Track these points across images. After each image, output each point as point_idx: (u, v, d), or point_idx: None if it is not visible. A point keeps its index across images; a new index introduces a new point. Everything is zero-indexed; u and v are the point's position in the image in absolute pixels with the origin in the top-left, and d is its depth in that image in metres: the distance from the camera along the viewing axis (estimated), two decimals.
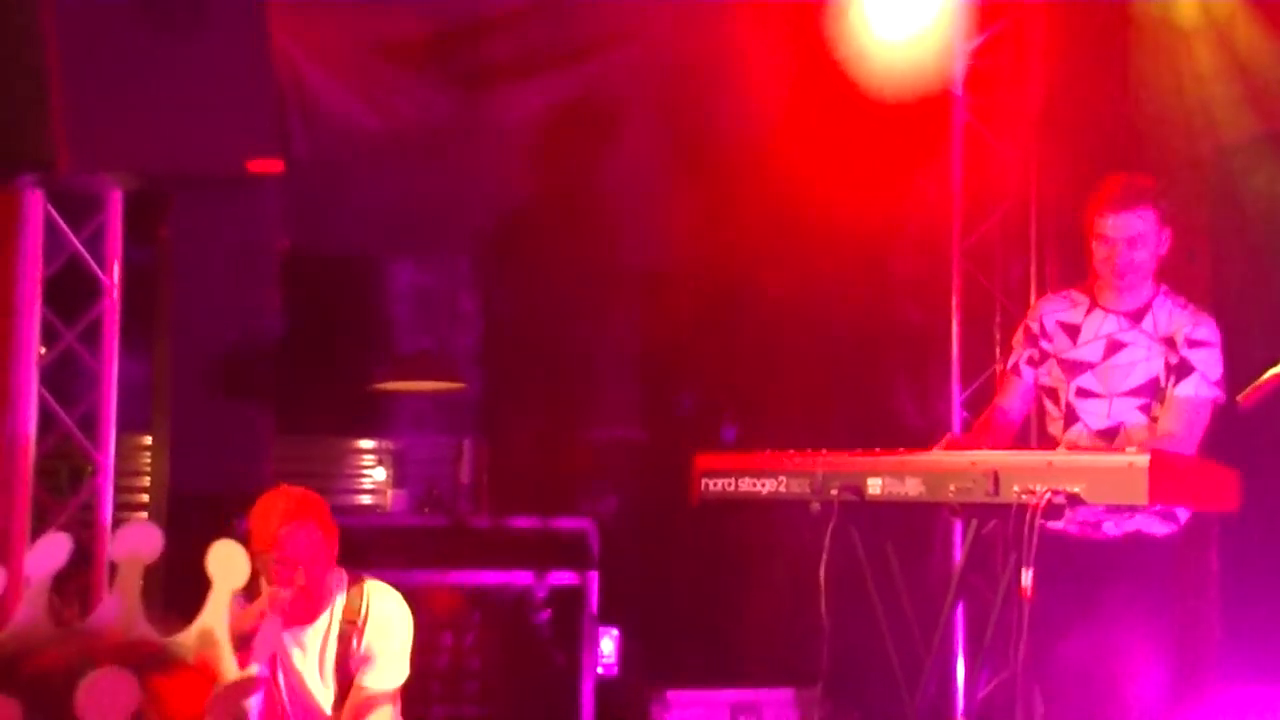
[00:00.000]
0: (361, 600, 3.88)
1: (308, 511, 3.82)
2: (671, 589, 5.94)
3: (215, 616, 1.11)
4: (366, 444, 7.08)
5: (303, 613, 3.81)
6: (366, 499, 7.01)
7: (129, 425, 5.38)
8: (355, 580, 3.93)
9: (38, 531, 4.62)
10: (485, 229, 5.86)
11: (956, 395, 5.21)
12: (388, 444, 7.03)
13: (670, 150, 5.77)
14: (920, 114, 5.28)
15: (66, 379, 4.99)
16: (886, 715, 3.97)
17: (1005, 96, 5.36)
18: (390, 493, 6.86)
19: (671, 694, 5.02)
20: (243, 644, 3.74)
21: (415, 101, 5.21)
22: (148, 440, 6.29)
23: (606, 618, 5.18)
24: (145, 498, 6.36)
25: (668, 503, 5.93)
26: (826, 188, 5.31)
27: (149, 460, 6.30)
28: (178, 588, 5.75)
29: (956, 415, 5.19)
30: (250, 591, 3.83)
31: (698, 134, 5.56)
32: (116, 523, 5.14)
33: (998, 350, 5.23)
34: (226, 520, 5.28)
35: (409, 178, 5.66)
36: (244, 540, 3.83)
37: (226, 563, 1.12)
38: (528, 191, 5.78)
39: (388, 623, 3.87)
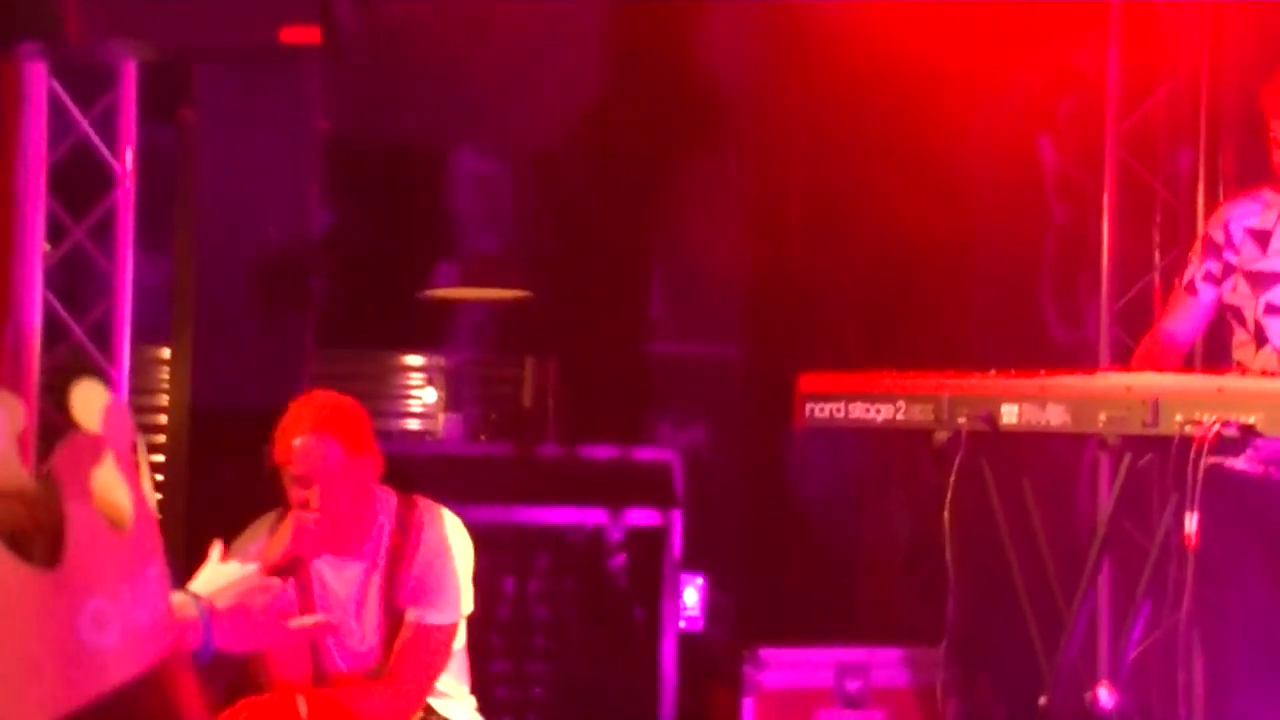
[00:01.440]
0: (412, 523, 3.93)
1: (330, 422, 3.84)
2: (767, 531, 5.96)
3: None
4: (415, 360, 7.14)
5: (340, 541, 3.87)
6: (415, 424, 7.07)
7: (146, 335, 5.46)
8: (405, 502, 3.98)
9: (44, 453, 4.72)
10: (559, 114, 5.84)
11: (1107, 306, 5.15)
12: (440, 360, 7.08)
13: (777, 19, 5.70)
14: None
15: (76, 281, 5.06)
16: (1019, 679, 3.98)
17: None
18: (442, 417, 6.91)
19: (765, 652, 5.03)
20: (275, 574, 3.81)
21: None
22: (166, 353, 6.38)
23: (692, 564, 5.20)
24: (163, 418, 6.47)
25: (764, 431, 5.95)
26: (955, 60, 5.24)
27: (167, 376, 6.40)
28: (203, 514, 5.86)
29: (1106, 331, 5.13)
30: (282, 515, 3.91)
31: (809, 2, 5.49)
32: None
33: (1156, 255, 5.15)
34: (257, 445, 5.37)
35: (473, 54, 5.65)
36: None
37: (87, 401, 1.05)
38: (611, 73, 5.76)
39: (444, 547, 3.91)
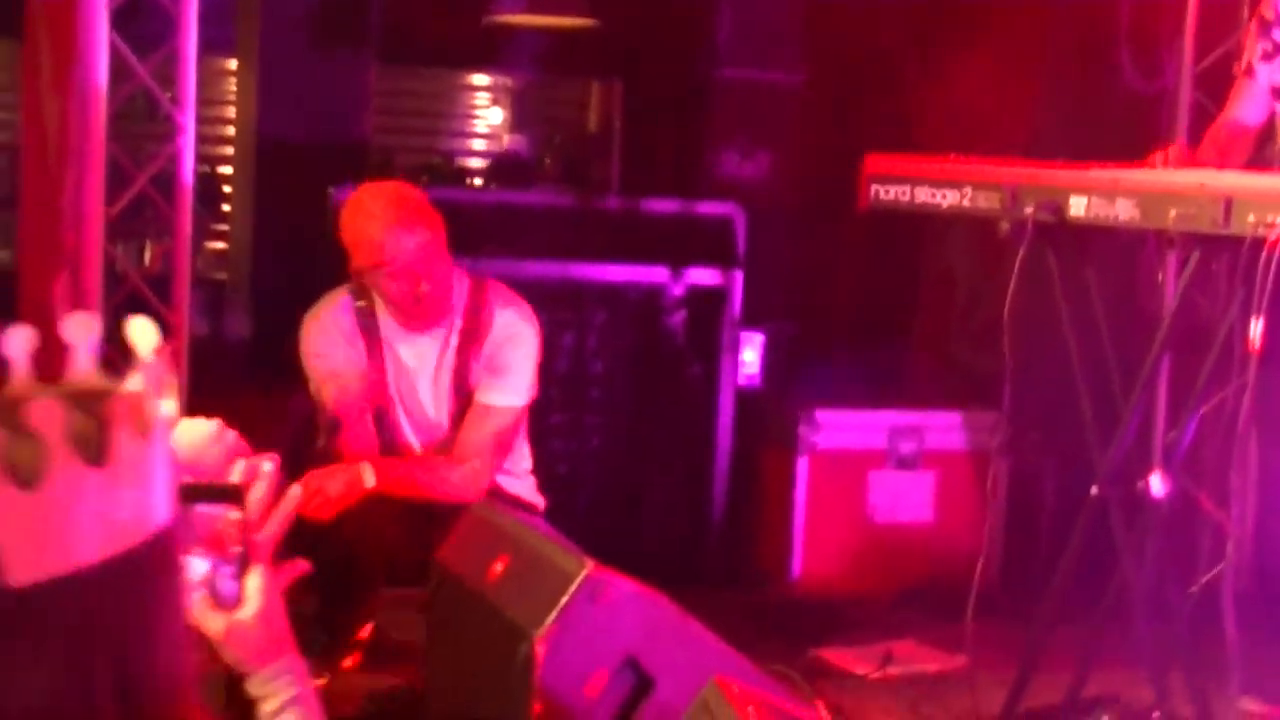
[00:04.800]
0: (484, 303, 3.87)
1: (415, 214, 3.76)
2: (830, 287, 5.83)
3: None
4: (481, 80, 6.96)
5: (420, 317, 3.83)
6: (480, 143, 6.94)
7: (210, 46, 5.29)
8: (478, 282, 3.91)
9: (113, 194, 4.62)
10: None
11: (1189, 66, 4.88)
12: (506, 81, 6.90)
13: None
14: None
15: (140, 24, 4.89)
16: (1075, 454, 3.91)
17: None
18: (507, 136, 6.78)
19: (821, 413, 4.98)
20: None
21: None
22: (232, 64, 6.23)
23: (751, 320, 5.10)
24: (229, 130, 6.35)
25: (827, 158, 5.77)
26: None
27: (233, 89, 6.27)
28: (266, 244, 5.78)
29: (1186, 93, 4.88)
30: (369, 301, 3.86)
31: None
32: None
33: (1246, 12, 4.85)
34: (323, 170, 5.27)
35: None
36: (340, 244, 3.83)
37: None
38: None
39: (514, 333, 3.86)
